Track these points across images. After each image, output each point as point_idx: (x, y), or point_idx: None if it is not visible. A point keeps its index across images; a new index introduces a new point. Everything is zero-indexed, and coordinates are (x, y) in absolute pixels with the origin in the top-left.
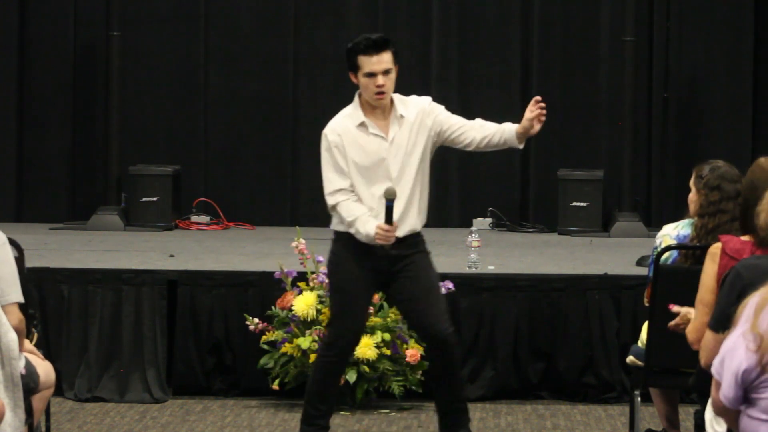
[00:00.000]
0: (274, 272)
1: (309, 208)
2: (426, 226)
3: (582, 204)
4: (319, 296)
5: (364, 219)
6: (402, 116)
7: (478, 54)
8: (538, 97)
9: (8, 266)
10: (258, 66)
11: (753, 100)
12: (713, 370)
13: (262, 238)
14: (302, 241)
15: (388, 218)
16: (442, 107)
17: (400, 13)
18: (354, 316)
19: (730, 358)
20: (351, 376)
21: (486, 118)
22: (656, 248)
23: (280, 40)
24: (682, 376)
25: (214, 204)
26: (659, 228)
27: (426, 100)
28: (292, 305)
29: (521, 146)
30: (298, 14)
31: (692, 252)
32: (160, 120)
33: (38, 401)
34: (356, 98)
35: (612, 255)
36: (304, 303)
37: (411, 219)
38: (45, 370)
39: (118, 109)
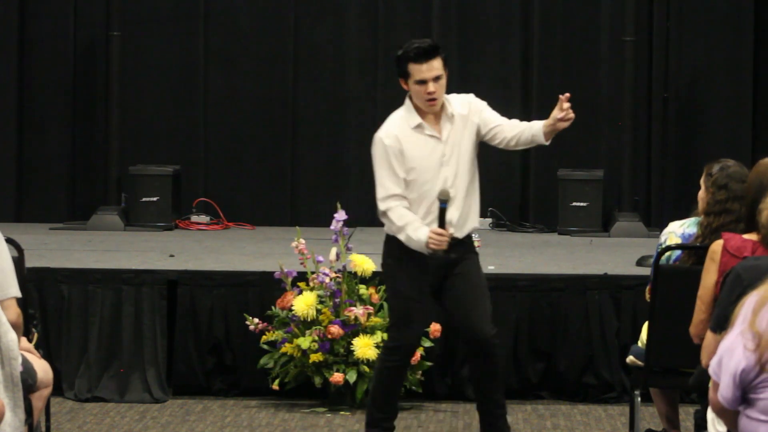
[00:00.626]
0: (274, 272)
1: (309, 208)
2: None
3: (582, 204)
4: (318, 296)
5: (415, 225)
6: (452, 115)
7: (478, 54)
8: (567, 95)
9: (5, 261)
10: (258, 66)
11: (753, 100)
12: (710, 371)
13: (262, 238)
14: (302, 241)
15: (441, 222)
16: (485, 103)
17: (400, 13)
18: (415, 320)
19: (728, 358)
20: (351, 376)
21: None
22: (661, 245)
23: (280, 40)
24: (682, 376)
25: (214, 204)
26: (659, 228)
27: (470, 97)
28: (292, 305)
29: (547, 143)
30: (298, 14)
31: (695, 251)
32: (160, 120)
33: (37, 400)
34: (407, 101)
35: (612, 255)
36: (304, 303)
37: (471, 219)
38: (42, 368)
39: (118, 109)
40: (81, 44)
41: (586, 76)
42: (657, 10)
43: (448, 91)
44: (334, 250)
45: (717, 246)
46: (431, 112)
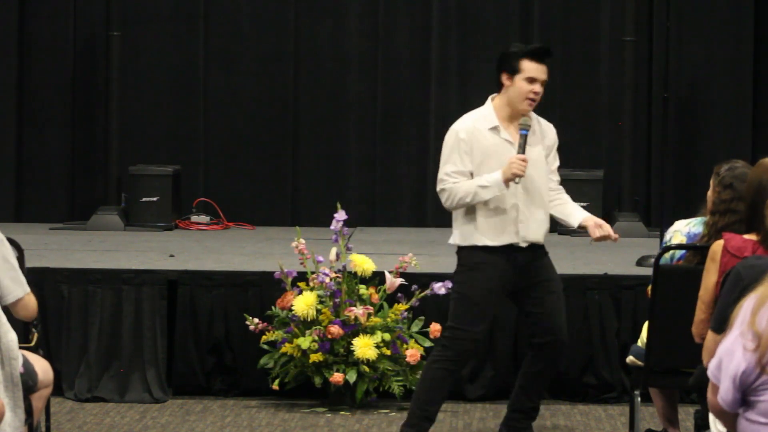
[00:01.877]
0: (274, 272)
1: (309, 208)
2: (425, 226)
3: (582, 204)
4: (318, 296)
5: (483, 177)
6: (534, 130)
7: (478, 54)
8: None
9: (6, 263)
10: (258, 66)
11: (753, 100)
12: (709, 373)
13: (262, 238)
14: (302, 241)
15: (522, 148)
16: (557, 155)
17: (400, 13)
18: (473, 323)
19: (728, 360)
20: (351, 376)
21: None
22: (666, 242)
23: (280, 40)
24: (682, 376)
25: (214, 204)
26: (659, 228)
27: (553, 128)
28: (292, 305)
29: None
30: (299, 14)
31: (701, 250)
32: (160, 120)
33: (37, 400)
34: (489, 102)
35: (612, 255)
36: (304, 303)
37: (543, 227)
38: (43, 368)
39: (118, 109)
40: (81, 44)
41: (586, 76)
42: (657, 10)
43: (449, 91)
44: (334, 250)
45: (717, 246)
46: (525, 112)
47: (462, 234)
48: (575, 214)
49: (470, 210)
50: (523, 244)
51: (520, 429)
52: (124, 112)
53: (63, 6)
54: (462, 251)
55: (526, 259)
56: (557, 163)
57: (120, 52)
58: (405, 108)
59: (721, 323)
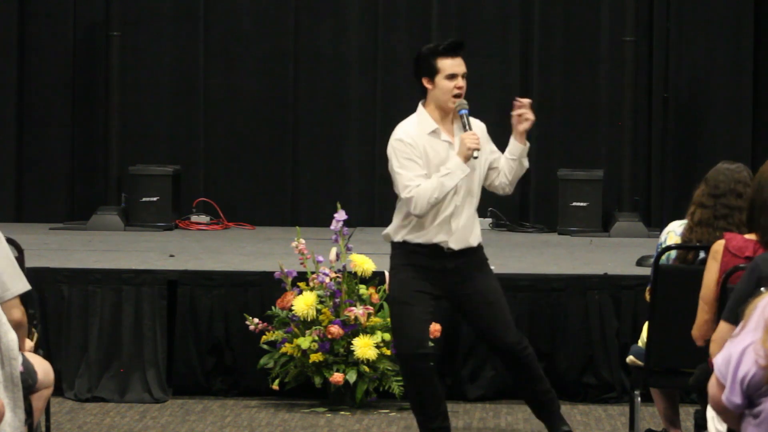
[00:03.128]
0: (274, 272)
1: (309, 208)
2: None
3: (582, 204)
4: (318, 296)
5: (442, 171)
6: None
7: (478, 54)
8: (525, 101)
9: (5, 260)
10: (258, 65)
11: (753, 100)
12: (716, 370)
13: (262, 238)
14: (302, 241)
15: (467, 126)
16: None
17: (400, 12)
18: (412, 326)
19: (739, 363)
20: (351, 376)
21: (485, 118)
22: (661, 244)
23: (280, 39)
24: (682, 376)
25: (214, 204)
26: (659, 228)
27: (483, 125)
28: (292, 305)
29: (525, 145)
30: (299, 14)
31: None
32: (160, 120)
33: (37, 400)
34: (421, 107)
35: (612, 255)
36: (304, 303)
37: (475, 233)
38: (43, 369)
39: (118, 108)
40: (81, 44)
41: (586, 76)
42: (657, 10)
43: None
44: (334, 250)
45: (718, 246)
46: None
47: (393, 230)
48: (510, 147)
49: (404, 212)
50: (454, 246)
51: (552, 408)
52: (124, 112)
53: (63, 6)
54: (392, 252)
55: (457, 264)
56: (497, 157)
57: (120, 52)
58: (405, 108)
59: (735, 313)
